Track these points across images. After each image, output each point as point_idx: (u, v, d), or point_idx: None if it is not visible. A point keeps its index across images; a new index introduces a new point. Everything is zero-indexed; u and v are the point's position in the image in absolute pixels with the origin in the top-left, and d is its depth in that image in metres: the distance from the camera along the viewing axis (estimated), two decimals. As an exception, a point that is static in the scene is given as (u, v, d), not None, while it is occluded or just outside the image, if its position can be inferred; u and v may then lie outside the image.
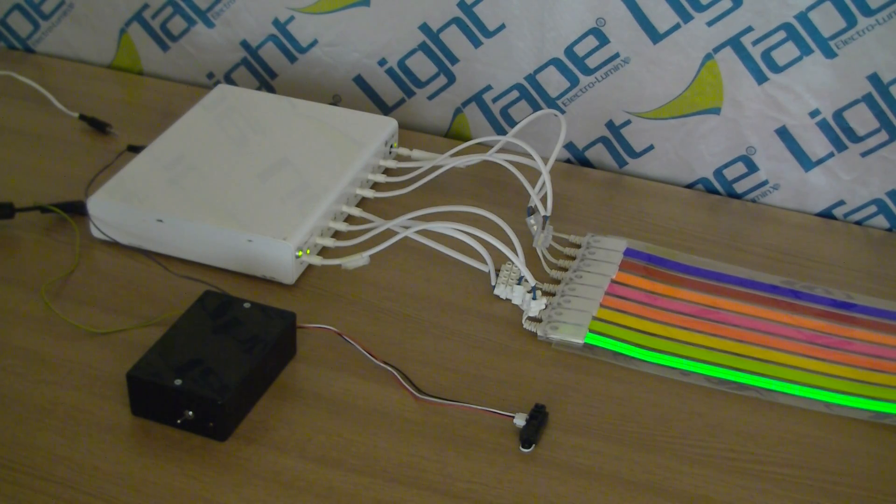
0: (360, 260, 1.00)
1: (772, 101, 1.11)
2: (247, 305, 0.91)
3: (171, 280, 0.98)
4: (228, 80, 1.31)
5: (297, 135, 1.12)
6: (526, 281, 0.97)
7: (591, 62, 1.16)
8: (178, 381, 0.83)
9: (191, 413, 0.83)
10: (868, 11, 1.04)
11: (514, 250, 0.98)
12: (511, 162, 1.08)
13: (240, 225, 0.98)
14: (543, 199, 1.05)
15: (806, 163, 1.14)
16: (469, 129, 1.25)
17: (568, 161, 1.23)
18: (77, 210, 1.05)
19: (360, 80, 1.26)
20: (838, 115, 1.10)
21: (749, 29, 1.08)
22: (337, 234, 1.05)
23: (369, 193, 1.10)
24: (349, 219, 1.08)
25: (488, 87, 1.22)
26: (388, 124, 1.15)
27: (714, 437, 0.86)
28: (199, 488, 0.80)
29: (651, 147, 1.19)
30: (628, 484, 0.82)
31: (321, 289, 0.99)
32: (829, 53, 1.07)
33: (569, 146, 1.22)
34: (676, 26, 1.10)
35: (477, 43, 1.19)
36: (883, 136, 1.10)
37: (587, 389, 0.90)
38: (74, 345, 0.92)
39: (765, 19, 1.07)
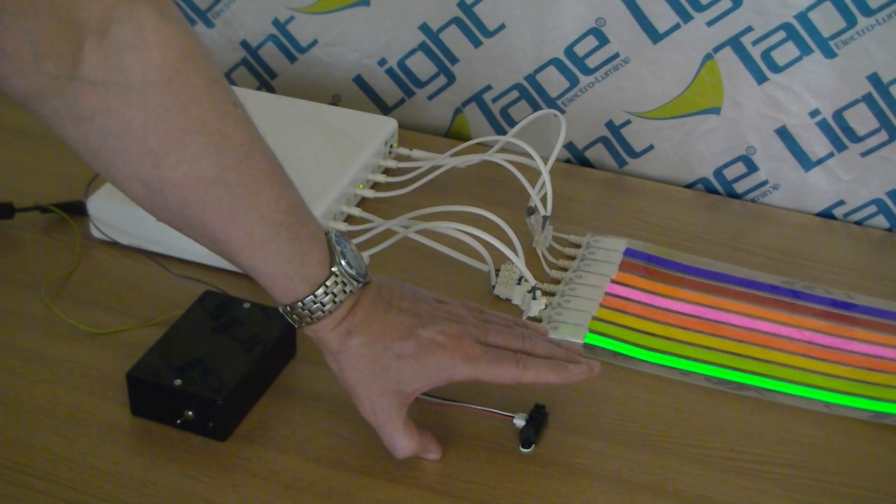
0: (360, 260, 1.00)
1: (772, 100, 1.11)
2: (247, 305, 0.91)
3: (171, 280, 0.98)
4: (228, 80, 1.31)
5: (297, 135, 1.12)
6: (526, 281, 0.97)
7: (591, 62, 1.16)
8: (177, 381, 0.83)
9: (190, 413, 0.83)
10: (868, 11, 1.04)
11: (514, 250, 0.98)
12: (511, 162, 1.08)
13: (240, 225, 0.98)
14: (543, 199, 1.05)
15: (806, 163, 1.14)
16: (469, 129, 1.25)
17: (568, 161, 1.23)
18: (77, 210, 1.05)
19: (360, 80, 1.26)
20: (838, 115, 1.10)
21: (749, 29, 1.08)
22: (337, 234, 1.05)
23: (369, 193, 1.10)
24: (349, 219, 1.08)
25: (488, 87, 1.22)
26: (388, 124, 1.15)
27: (714, 437, 0.86)
28: (199, 488, 0.80)
29: (651, 147, 1.19)
30: (628, 484, 0.82)
31: (321, 289, 0.99)
32: (829, 53, 1.07)
33: (569, 146, 1.22)
34: (676, 26, 1.10)
35: (477, 43, 1.19)
36: (883, 136, 1.09)
37: (587, 389, 0.90)
38: (74, 345, 0.92)
39: (765, 19, 1.07)
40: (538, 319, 0.96)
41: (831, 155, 1.12)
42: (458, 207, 1.00)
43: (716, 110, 1.14)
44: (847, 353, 0.94)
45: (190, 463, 0.82)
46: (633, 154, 1.20)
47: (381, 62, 1.24)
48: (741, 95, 1.12)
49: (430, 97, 1.25)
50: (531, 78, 1.19)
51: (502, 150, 1.12)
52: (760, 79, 1.10)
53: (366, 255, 1.00)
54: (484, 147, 1.15)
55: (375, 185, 1.13)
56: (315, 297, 0.76)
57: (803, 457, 0.85)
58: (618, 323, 0.96)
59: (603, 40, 1.14)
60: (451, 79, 1.23)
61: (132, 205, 1.01)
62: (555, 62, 1.17)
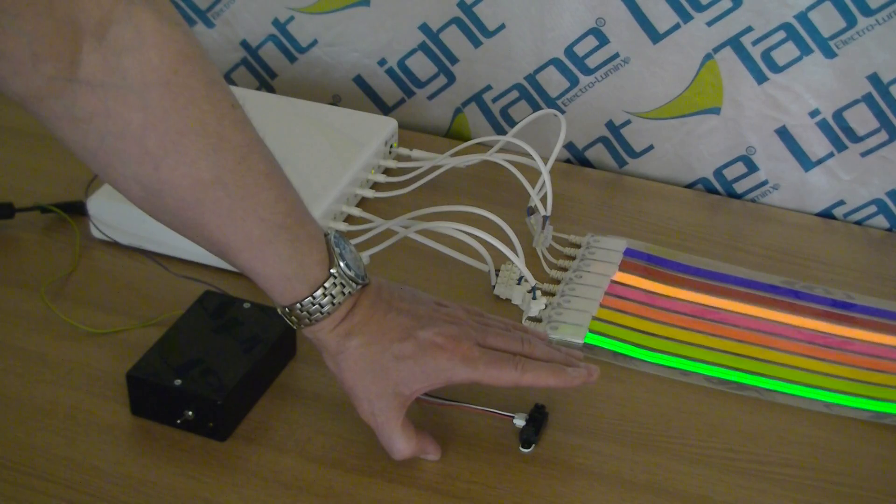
0: (360, 260, 1.00)
1: (772, 101, 1.11)
2: (247, 305, 0.91)
3: (171, 280, 0.98)
4: (228, 80, 1.31)
5: (297, 135, 1.12)
6: (526, 281, 0.97)
7: (591, 62, 1.16)
8: (177, 381, 0.83)
9: (190, 413, 0.83)
10: (868, 11, 1.04)
11: (514, 250, 0.98)
12: (511, 162, 1.08)
13: (240, 225, 0.98)
14: (543, 199, 1.05)
15: (806, 163, 1.14)
16: (469, 129, 1.25)
17: (568, 161, 1.23)
18: (77, 210, 1.05)
19: (359, 80, 1.26)
20: (838, 115, 1.10)
21: (749, 29, 1.08)
22: (337, 234, 1.05)
23: (369, 193, 1.10)
24: (349, 219, 1.08)
25: (488, 87, 1.22)
26: (388, 124, 1.15)
27: (714, 437, 0.86)
28: (199, 488, 0.80)
29: (651, 147, 1.19)
30: (628, 484, 0.82)
31: (321, 289, 0.99)
32: (829, 53, 1.07)
33: (569, 146, 1.22)
34: (676, 26, 1.10)
35: (477, 43, 1.19)
36: (883, 136, 1.09)
37: (587, 389, 0.89)
38: (74, 345, 0.92)
39: (765, 19, 1.07)
40: (538, 319, 0.96)
41: (831, 155, 1.12)
42: (458, 207, 1.00)
43: (716, 110, 1.14)
44: (847, 353, 0.94)
45: (190, 463, 0.82)
46: (633, 154, 1.20)
47: (381, 62, 1.24)
48: (741, 95, 1.12)
49: (430, 97, 1.25)
50: (531, 78, 1.19)
51: (502, 150, 1.12)
52: (760, 79, 1.10)
53: (366, 255, 1.00)
54: (484, 147, 1.15)
55: (375, 185, 1.13)
56: (313, 298, 0.76)
57: (803, 457, 0.85)
58: (618, 323, 0.96)
59: (603, 40, 1.14)
60: (451, 79, 1.23)
61: (132, 205, 1.02)
62: (555, 62, 1.17)
